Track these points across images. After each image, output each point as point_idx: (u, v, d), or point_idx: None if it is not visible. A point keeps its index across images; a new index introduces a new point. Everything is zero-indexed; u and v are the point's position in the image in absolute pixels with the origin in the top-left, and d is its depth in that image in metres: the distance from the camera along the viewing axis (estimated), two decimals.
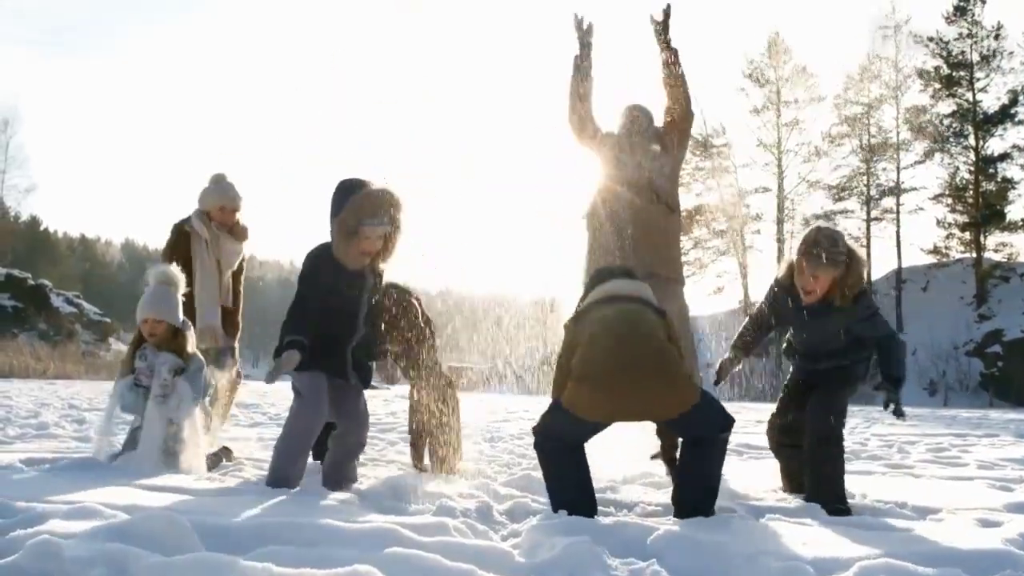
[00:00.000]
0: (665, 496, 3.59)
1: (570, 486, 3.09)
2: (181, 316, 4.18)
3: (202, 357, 4.25)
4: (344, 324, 3.72)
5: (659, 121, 4.73)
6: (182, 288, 4.22)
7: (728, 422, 3.11)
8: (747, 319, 4.14)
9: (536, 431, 3.18)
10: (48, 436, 6.08)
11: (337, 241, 3.62)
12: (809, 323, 3.81)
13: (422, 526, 2.55)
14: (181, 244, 4.90)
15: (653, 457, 4.48)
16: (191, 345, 4.21)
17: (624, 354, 3.03)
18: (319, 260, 3.68)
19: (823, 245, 3.60)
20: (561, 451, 3.12)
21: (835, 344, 3.80)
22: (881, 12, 36.41)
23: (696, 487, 3.12)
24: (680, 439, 3.34)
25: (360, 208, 3.58)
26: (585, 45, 4.69)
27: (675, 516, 3.11)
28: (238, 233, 5.06)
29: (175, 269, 4.23)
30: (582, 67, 4.67)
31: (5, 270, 36.59)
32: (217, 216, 4.95)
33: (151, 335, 4.10)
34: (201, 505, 2.96)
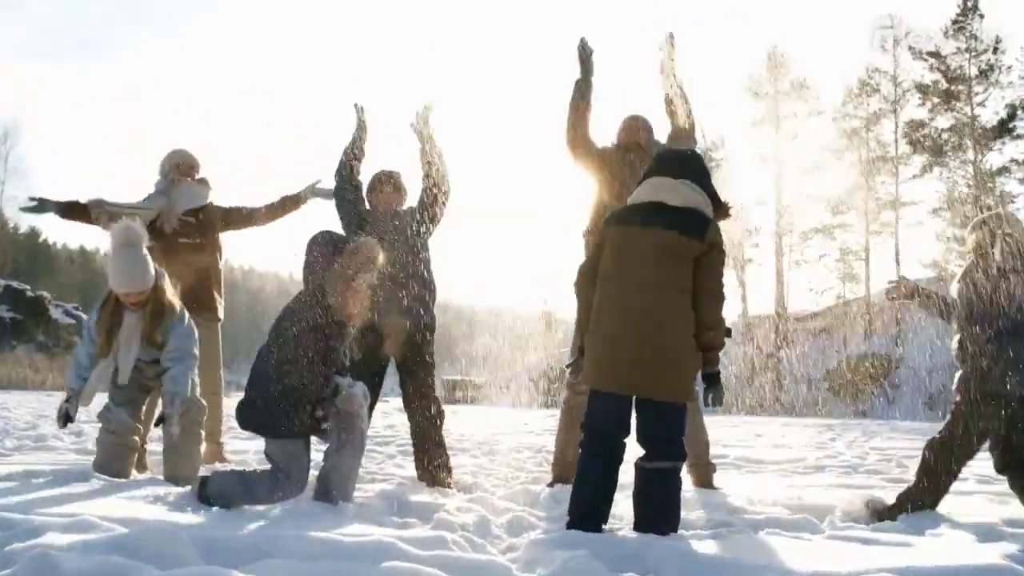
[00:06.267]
0: None
1: (585, 497, 3.01)
2: (152, 272, 4.10)
3: (178, 308, 4.19)
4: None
5: (659, 134, 4.77)
6: (145, 242, 4.14)
7: (683, 452, 3.03)
8: None
9: (582, 427, 3.13)
10: (46, 448, 6.06)
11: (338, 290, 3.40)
12: None
13: (421, 540, 2.54)
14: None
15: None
16: (170, 293, 4.18)
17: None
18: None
19: None
20: (593, 458, 3.05)
21: None
22: (880, 21, 36.40)
23: (654, 517, 2.96)
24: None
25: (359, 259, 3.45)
26: (588, 70, 4.78)
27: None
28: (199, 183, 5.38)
29: (136, 225, 4.14)
30: (584, 92, 4.75)
31: (4, 281, 36.55)
32: (174, 173, 5.25)
33: (133, 305, 4.08)
34: (200, 518, 2.96)
